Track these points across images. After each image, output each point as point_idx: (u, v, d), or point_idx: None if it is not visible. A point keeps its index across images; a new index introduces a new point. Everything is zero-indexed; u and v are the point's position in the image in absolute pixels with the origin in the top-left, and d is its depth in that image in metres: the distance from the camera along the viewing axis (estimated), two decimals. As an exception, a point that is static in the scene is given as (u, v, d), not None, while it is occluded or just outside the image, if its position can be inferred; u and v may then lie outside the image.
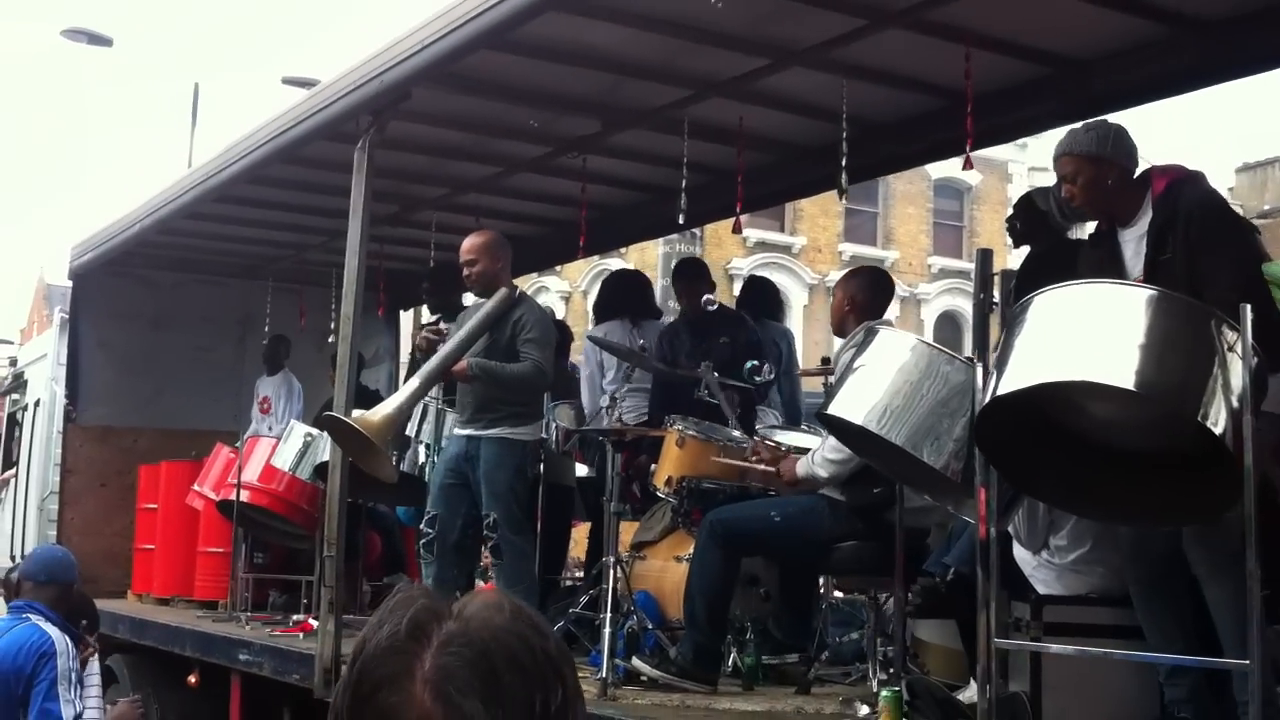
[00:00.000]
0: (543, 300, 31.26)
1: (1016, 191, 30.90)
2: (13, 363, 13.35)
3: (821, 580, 5.58)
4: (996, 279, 3.67)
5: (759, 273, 29.23)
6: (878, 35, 5.35)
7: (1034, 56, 5.56)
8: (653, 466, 5.52)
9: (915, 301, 30.06)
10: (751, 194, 6.15)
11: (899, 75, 5.78)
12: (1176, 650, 3.80)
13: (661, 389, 6.40)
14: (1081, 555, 4.16)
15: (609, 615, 4.77)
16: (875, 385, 3.98)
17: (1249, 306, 3.19)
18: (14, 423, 11.35)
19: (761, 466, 4.92)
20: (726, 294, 28.45)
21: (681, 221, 6.16)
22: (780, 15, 5.36)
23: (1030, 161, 29.51)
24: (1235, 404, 3.16)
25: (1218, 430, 3.16)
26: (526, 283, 29.68)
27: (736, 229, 6.13)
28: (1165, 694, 3.90)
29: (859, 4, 5.24)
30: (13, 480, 10.87)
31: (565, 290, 31.03)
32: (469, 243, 6.21)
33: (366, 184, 6.07)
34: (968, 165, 5.06)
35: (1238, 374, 3.18)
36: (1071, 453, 3.59)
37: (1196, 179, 4.15)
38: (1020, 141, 25.53)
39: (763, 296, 7.88)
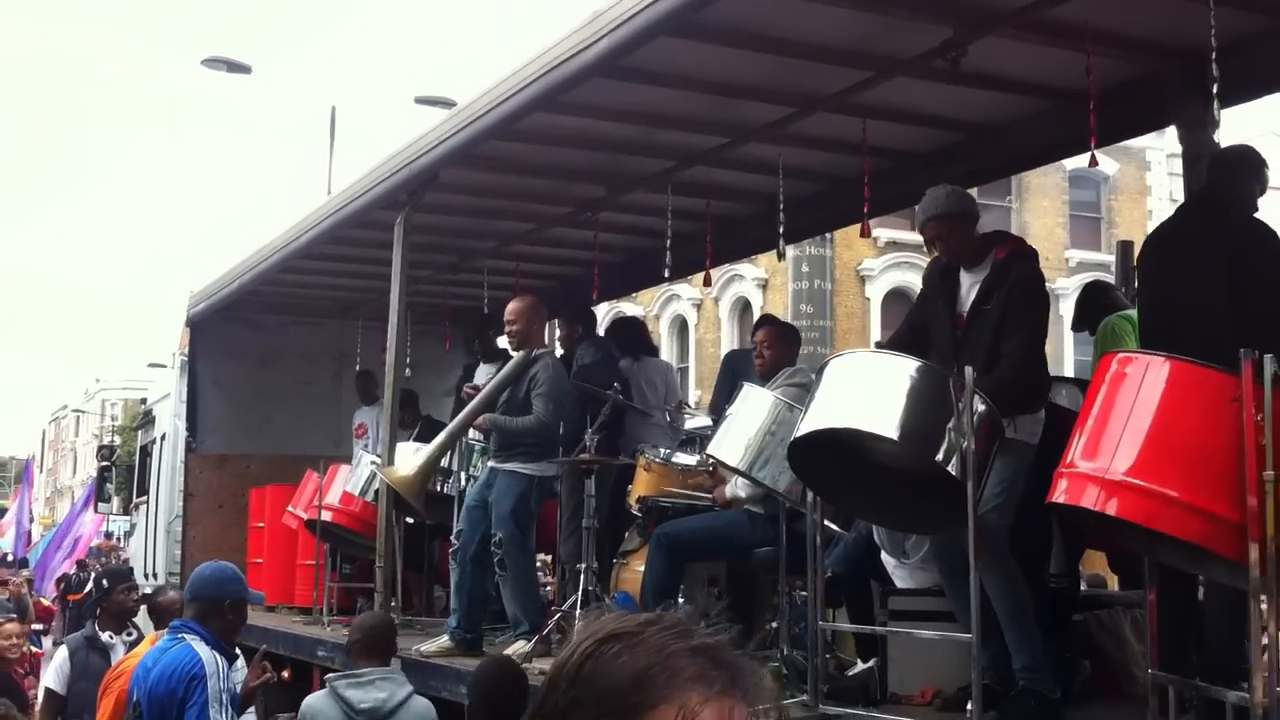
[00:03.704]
0: (673, 308, 33.08)
1: (1155, 180, 31.27)
2: (142, 402, 15.48)
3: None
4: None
5: (892, 275, 30.30)
6: (806, 119, 6.72)
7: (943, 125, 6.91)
8: (629, 488, 6.98)
9: (1054, 297, 30.61)
10: (720, 247, 7.61)
11: (833, 141, 7.13)
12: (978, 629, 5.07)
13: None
14: (922, 556, 5.47)
15: (578, 611, 6.23)
16: (740, 431, 5.41)
17: (971, 370, 4.50)
18: (145, 455, 13.41)
19: (707, 486, 6.37)
20: (858, 295, 29.54)
21: (666, 275, 7.59)
22: (731, 105, 6.79)
23: (1169, 148, 29.84)
24: (964, 445, 4.47)
25: (952, 467, 4.47)
26: (655, 292, 31.31)
27: (706, 281, 7.53)
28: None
29: (796, 94, 6.60)
30: (144, 506, 12.88)
31: (697, 298, 32.52)
32: (511, 306, 7.54)
33: (404, 251, 7.68)
34: (865, 232, 6.39)
35: (967, 422, 4.48)
36: (876, 476, 4.93)
37: (1032, 257, 5.40)
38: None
39: (633, 335, 8.97)
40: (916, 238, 31.72)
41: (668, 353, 33.25)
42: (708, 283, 7.68)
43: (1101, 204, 31.30)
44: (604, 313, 32.00)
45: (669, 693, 1.35)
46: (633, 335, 8.82)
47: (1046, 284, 5.43)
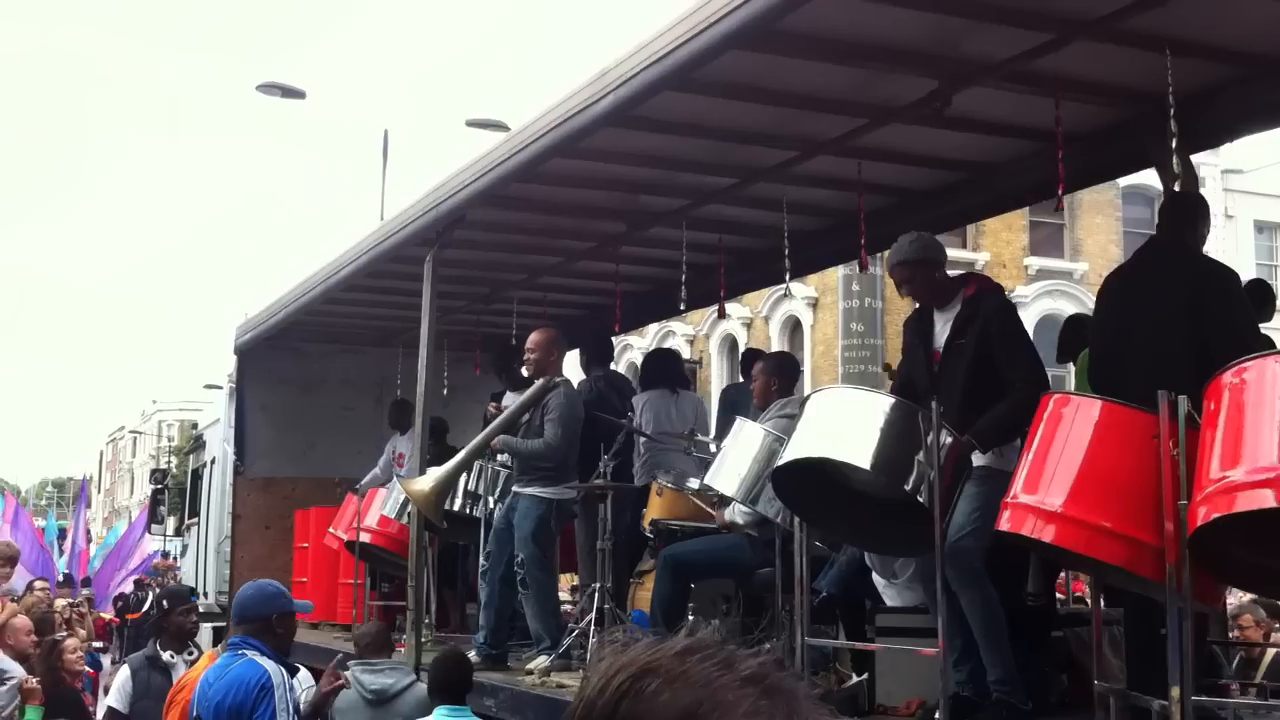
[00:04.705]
0: (723, 327, 33.53)
1: (1211, 196, 31.31)
2: (194, 426, 16.22)
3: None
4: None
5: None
6: (808, 161, 7.20)
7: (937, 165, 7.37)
8: (643, 511, 7.48)
9: (1107, 314, 30.73)
10: (733, 279, 8.12)
11: (835, 180, 7.61)
12: (959, 645, 5.50)
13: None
14: (909, 576, 5.91)
15: (592, 629, 6.73)
16: (734, 462, 5.91)
17: (937, 404, 4.94)
18: (196, 478, 14.12)
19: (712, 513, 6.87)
20: (909, 313, 29.91)
21: (682, 307, 8.09)
22: (738, 149, 7.28)
23: (1223, 164, 29.95)
24: (932, 476, 4.92)
25: (921, 497, 4.92)
26: (705, 311, 31.78)
27: (721, 313, 8.02)
28: (954, 677, 5.60)
29: (798, 139, 7.09)
30: (195, 527, 13.56)
31: (747, 317, 32.95)
32: (532, 337, 8.12)
33: (434, 285, 8.24)
34: (863, 266, 6.85)
35: (934, 454, 4.93)
36: (856, 502, 5.39)
37: (999, 290, 5.87)
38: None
39: (670, 369, 9.34)
40: (968, 255, 31.74)
41: (717, 372, 33.69)
42: (722, 314, 8.18)
43: (1155, 221, 31.27)
44: (654, 331, 32.62)
45: None
46: (669, 369, 9.26)
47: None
